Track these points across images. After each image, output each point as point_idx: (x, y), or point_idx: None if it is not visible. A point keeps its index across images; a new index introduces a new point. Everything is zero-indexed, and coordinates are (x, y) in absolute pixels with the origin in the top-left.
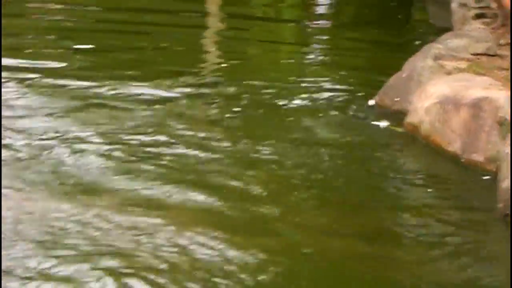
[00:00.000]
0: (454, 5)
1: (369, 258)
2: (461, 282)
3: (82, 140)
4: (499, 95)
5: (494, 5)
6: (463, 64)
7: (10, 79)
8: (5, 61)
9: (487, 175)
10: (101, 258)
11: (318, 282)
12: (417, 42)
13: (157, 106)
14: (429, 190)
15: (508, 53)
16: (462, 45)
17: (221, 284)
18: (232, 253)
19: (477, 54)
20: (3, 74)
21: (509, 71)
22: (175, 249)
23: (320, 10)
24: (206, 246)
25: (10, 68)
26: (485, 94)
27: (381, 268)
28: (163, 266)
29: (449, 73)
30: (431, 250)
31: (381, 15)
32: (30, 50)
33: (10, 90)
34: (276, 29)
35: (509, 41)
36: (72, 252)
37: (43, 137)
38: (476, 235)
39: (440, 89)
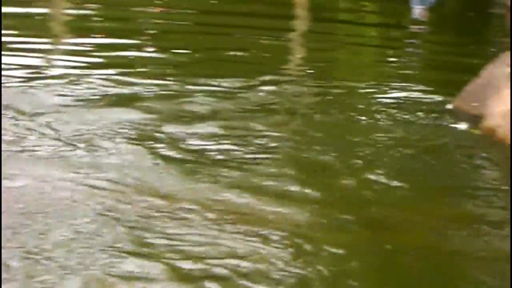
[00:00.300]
0: None
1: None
2: None
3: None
4: None
5: None
6: None
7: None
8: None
9: None
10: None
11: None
12: (493, 49)
13: (243, 100)
14: (487, 180)
15: None
16: None
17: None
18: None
19: None
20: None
21: None
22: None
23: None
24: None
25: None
26: None
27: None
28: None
29: None
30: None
31: (460, 23)
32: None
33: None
34: (361, 32)
35: None
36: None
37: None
38: None
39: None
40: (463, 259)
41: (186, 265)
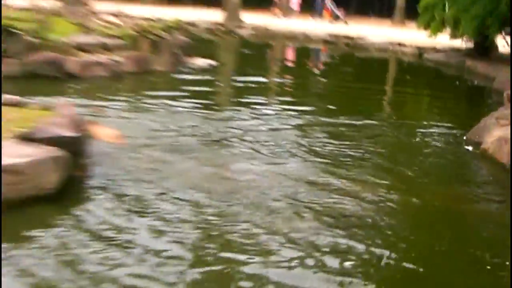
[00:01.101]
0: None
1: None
2: None
3: None
4: None
5: None
6: (508, 122)
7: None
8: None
9: None
10: None
11: None
12: (486, 109)
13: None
14: (480, 176)
15: None
16: (509, 112)
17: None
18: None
19: None
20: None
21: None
22: None
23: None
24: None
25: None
26: None
27: None
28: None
29: (503, 126)
30: None
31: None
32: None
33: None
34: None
35: None
36: None
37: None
38: None
39: (497, 133)
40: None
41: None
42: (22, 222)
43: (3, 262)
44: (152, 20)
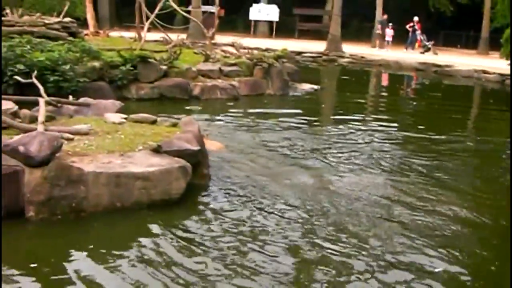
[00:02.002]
0: None
1: None
2: None
3: None
4: None
5: None
6: None
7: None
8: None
9: None
10: None
11: None
12: None
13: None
14: None
15: None
16: None
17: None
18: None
19: None
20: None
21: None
22: None
23: None
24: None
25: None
26: None
27: None
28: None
29: None
30: None
31: None
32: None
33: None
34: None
35: None
36: None
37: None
38: None
39: None
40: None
41: None
42: (153, 221)
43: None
44: (263, 50)
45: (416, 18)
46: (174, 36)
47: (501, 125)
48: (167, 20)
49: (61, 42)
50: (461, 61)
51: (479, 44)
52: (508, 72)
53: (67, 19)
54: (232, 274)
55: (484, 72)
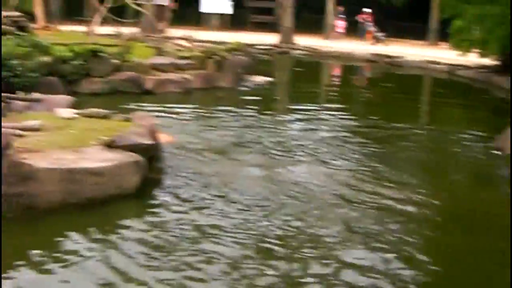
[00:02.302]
0: None
1: None
2: None
3: None
4: None
5: None
6: None
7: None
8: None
9: None
10: None
11: None
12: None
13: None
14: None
15: None
16: None
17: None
18: None
19: None
20: None
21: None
22: None
23: None
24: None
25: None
26: None
27: None
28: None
29: None
30: None
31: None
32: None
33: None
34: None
35: None
36: None
37: None
38: None
39: None
40: None
41: None
42: (106, 217)
43: (91, 250)
44: (216, 43)
45: (367, 10)
46: (126, 30)
47: (450, 114)
48: (119, 13)
49: (9, 36)
50: (411, 51)
51: (429, 35)
52: (457, 62)
53: (16, 13)
54: (182, 269)
55: (434, 62)
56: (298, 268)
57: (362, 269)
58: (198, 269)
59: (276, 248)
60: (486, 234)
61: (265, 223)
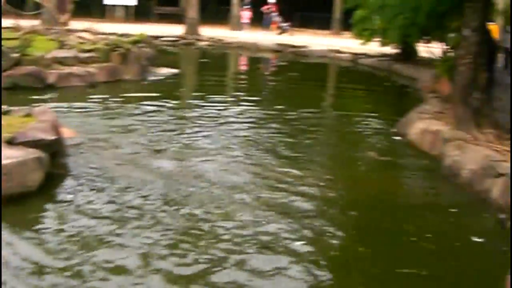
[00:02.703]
0: (426, 94)
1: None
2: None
3: None
4: (443, 128)
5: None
6: (429, 116)
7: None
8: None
9: (438, 160)
10: None
11: None
12: (411, 105)
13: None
14: (407, 162)
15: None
16: (429, 108)
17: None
18: None
19: (435, 112)
20: None
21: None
22: None
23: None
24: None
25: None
26: (438, 127)
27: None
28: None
29: (424, 119)
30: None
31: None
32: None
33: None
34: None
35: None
36: None
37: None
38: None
39: (420, 126)
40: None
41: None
42: (6, 216)
43: None
44: (121, 35)
45: (272, 1)
46: (26, 23)
47: (353, 101)
48: (19, 5)
49: None
50: (316, 41)
51: (332, 25)
52: (360, 51)
53: None
54: (79, 269)
55: (338, 51)
56: (196, 252)
57: (266, 248)
58: (107, 261)
59: (179, 237)
60: (381, 214)
61: (168, 214)
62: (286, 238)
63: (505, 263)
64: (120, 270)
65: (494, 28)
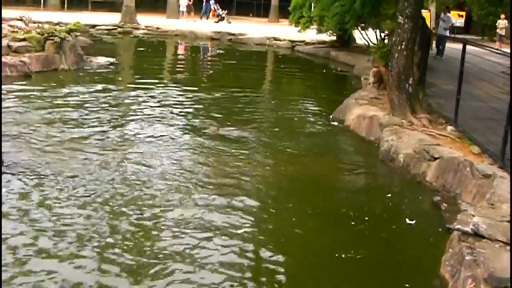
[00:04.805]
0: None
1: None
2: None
3: None
4: (379, 113)
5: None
6: (366, 102)
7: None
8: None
9: (375, 145)
10: None
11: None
12: (346, 92)
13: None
14: (345, 147)
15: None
16: (365, 94)
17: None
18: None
19: (371, 98)
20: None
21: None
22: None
23: None
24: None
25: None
26: (374, 113)
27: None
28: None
29: (361, 105)
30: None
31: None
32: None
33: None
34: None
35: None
36: None
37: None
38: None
39: (357, 111)
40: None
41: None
42: None
43: None
44: (55, 24)
45: None
46: None
47: (292, 87)
48: None
49: None
50: (253, 29)
51: (269, 12)
52: (298, 38)
53: None
54: None
55: (275, 39)
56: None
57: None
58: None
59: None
60: (319, 198)
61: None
62: (231, 224)
63: (438, 243)
64: None
65: (428, 15)
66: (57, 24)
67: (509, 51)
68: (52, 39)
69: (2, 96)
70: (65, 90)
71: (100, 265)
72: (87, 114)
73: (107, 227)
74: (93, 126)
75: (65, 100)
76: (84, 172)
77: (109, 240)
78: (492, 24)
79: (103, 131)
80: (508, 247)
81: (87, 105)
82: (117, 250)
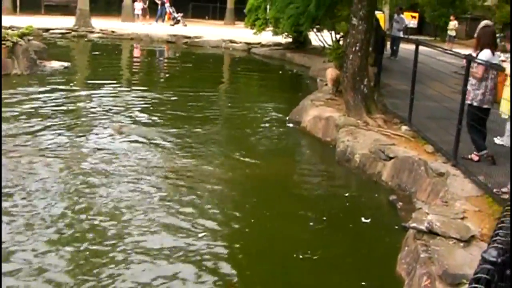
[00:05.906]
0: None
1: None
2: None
3: None
4: (335, 114)
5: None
6: (322, 103)
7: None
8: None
9: (331, 146)
10: None
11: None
12: (304, 93)
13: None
14: (302, 148)
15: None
16: (321, 95)
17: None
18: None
19: (327, 99)
20: None
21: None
22: None
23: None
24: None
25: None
26: (330, 114)
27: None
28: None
29: (317, 106)
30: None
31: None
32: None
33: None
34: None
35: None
36: None
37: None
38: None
39: (313, 113)
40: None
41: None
42: None
43: None
44: (7, 28)
45: None
46: None
47: (249, 89)
48: None
49: None
50: (209, 32)
51: (225, 15)
52: (254, 40)
53: None
54: None
55: (232, 41)
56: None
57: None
58: None
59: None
60: (276, 198)
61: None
62: (186, 229)
63: (394, 242)
64: None
65: (381, 17)
66: (9, 28)
67: (460, 51)
68: (4, 44)
69: None
70: (16, 95)
71: None
72: (37, 119)
73: None
74: (43, 130)
75: (15, 106)
76: (36, 174)
77: None
78: (444, 25)
79: (52, 136)
80: (462, 244)
81: (41, 110)
82: None
